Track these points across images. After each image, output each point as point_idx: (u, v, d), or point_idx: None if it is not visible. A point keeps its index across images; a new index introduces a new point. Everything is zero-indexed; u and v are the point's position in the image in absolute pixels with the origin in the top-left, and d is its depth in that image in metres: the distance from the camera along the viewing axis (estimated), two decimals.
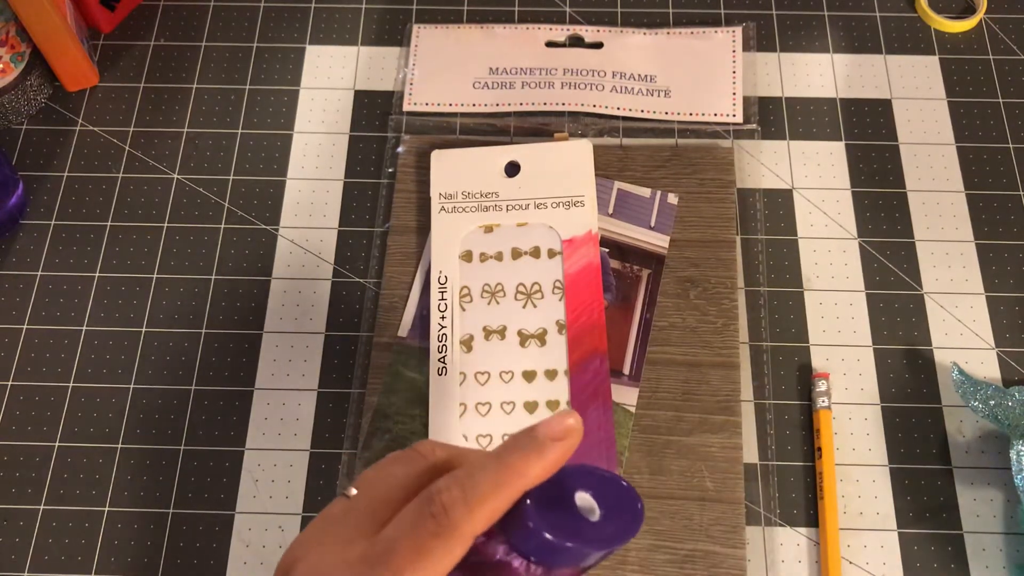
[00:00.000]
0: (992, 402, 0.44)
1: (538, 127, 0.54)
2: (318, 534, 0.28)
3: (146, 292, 0.50)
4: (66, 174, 0.54)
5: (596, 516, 0.27)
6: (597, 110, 0.54)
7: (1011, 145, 0.53)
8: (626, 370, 0.47)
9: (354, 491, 0.29)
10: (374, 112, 0.55)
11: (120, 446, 0.47)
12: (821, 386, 0.46)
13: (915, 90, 0.55)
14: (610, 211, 0.50)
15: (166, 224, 0.52)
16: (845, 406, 0.47)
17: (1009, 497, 0.45)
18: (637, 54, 0.56)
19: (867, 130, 0.54)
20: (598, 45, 0.56)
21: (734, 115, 0.54)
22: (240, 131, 0.55)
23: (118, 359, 0.49)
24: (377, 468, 0.29)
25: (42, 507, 0.46)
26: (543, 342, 0.47)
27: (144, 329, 0.49)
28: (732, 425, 0.46)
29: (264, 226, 0.52)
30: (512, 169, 0.51)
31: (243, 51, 0.57)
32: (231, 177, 0.53)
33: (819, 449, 0.45)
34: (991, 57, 0.56)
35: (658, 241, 0.50)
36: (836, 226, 0.51)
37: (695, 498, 0.44)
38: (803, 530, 0.45)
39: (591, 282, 0.48)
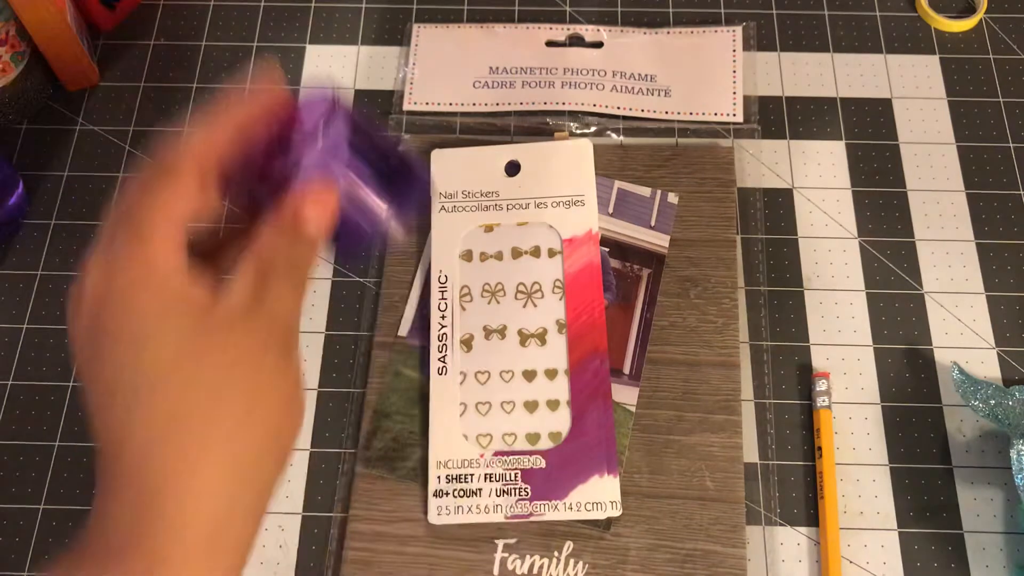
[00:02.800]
0: (992, 401, 0.44)
1: (538, 126, 0.54)
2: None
3: None
4: (66, 174, 0.54)
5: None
6: (597, 109, 0.54)
7: (1011, 144, 0.53)
8: (626, 369, 0.47)
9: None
10: (374, 111, 0.55)
11: None
12: (821, 385, 0.46)
13: (915, 90, 0.55)
14: (610, 210, 0.50)
15: None
16: (845, 406, 0.47)
17: (1009, 497, 0.45)
18: (637, 53, 0.56)
19: (867, 129, 0.54)
20: (598, 44, 0.56)
21: (734, 114, 0.54)
22: None
23: None
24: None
25: (42, 507, 0.46)
26: (543, 341, 0.47)
27: None
28: (732, 424, 0.46)
29: None
30: (512, 168, 0.51)
31: (243, 51, 0.57)
32: None
33: (819, 448, 0.45)
34: (991, 57, 0.56)
35: (658, 240, 0.50)
36: (836, 225, 0.51)
37: (695, 497, 0.44)
38: (803, 529, 0.45)
39: (591, 281, 0.48)
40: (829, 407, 0.46)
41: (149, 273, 0.29)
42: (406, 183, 0.34)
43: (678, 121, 0.54)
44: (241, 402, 0.29)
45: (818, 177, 0.53)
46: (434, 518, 0.44)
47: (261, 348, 0.30)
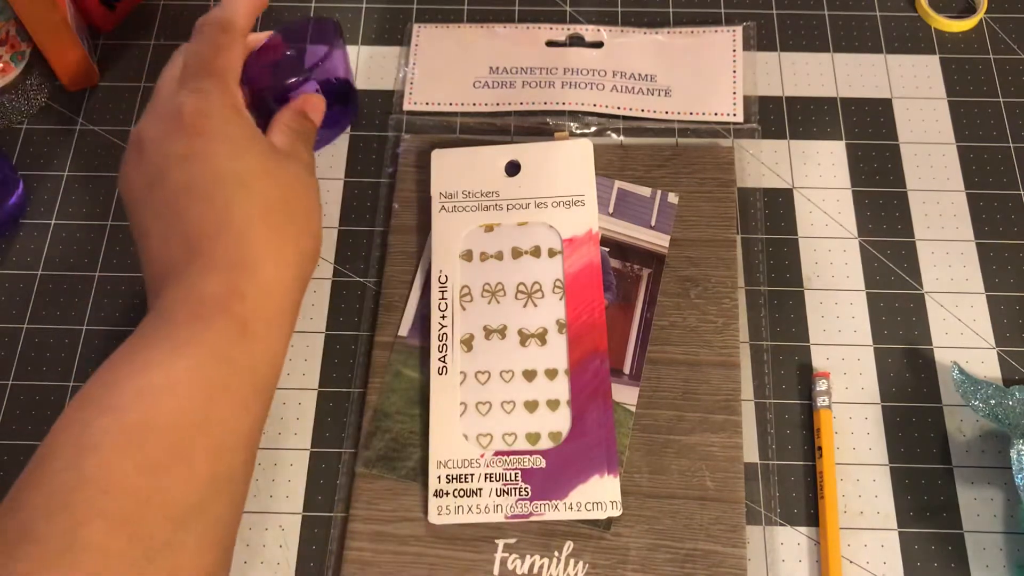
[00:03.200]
0: (992, 401, 0.44)
1: (538, 126, 0.54)
2: (144, 116, 0.41)
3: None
4: (66, 174, 0.54)
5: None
6: (597, 109, 0.54)
7: (1011, 144, 0.53)
8: (626, 369, 0.47)
9: None
10: (374, 111, 0.55)
11: None
12: (821, 385, 0.46)
13: (915, 89, 0.55)
14: (610, 210, 0.50)
15: None
16: (845, 405, 0.47)
17: (1009, 496, 0.45)
18: (637, 53, 0.56)
19: (867, 129, 0.54)
20: (598, 44, 0.56)
21: (734, 114, 0.54)
22: None
23: None
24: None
25: None
26: (543, 341, 0.47)
27: None
28: (732, 424, 0.46)
29: None
30: (512, 168, 0.51)
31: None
32: None
33: (819, 448, 0.45)
34: (991, 56, 0.56)
35: (658, 240, 0.50)
36: (836, 225, 0.51)
37: (695, 497, 0.44)
38: (803, 529, 0.45)
39: (591, 281, 0.48)
40: (829, 407, 0.46)
41: (234, 108, 0.39)
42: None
43: (678, 121, 0.54)
44: (302, 211, 0.39)
45: (818, 177, 0.53)
46: (434, 518, 0.44)
47: (305, 175, 0.41)
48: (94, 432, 0.32)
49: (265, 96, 0.46)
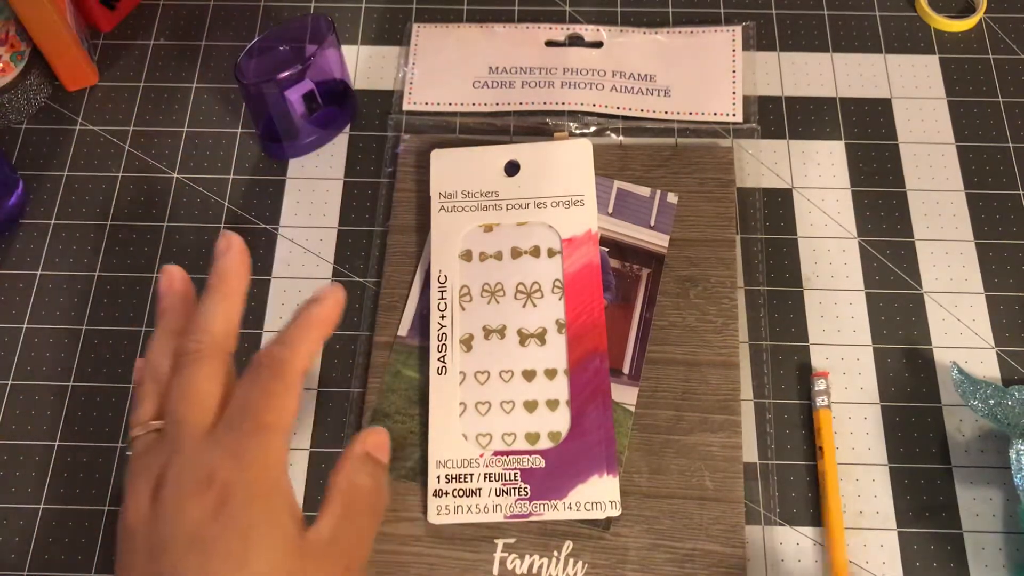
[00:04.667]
0: (992, 401, 0.44)
1: (538, 126, 0.54)
2: (166, 448, 0.32)
3: (146, 292, 0.50)
4: (66, 173, 0.54)
5: None
6: (597, 109, 0.54)
7: (1011, 144, 0.53)
8: (626, 369, 0.47)
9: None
10: (374, 111, 0.55)
11: (120, 445, 0.47)
12: (820, 385, 0.46)
13: (915, 89, 0.55)
14: (610, 210, 0.50)
15: (166, 224, 0.52)
16: (845, 405, 0.47)
17: (1009, 496, 0.45)
18: (637, 53, 0.56)
19: (867, 129, 0.54)
20: (598, 44, 0.56)
21: (734, 114, 0.54)
22: (240, 131, 0.55)
23: (118, 359, 0.49)
24: (175, 393, 0.33)
25: (42, 507, 0.46)
26: (543, 341, 0.47)
27: (144, 328, 0.49)
28: (732, 424, 0.46)
29: (264, 225, 0.52)
30: (512, 168, 0.51)
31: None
32: (231, 177, 0.53)
33: (820, 448, 0.45)
34: (991, 56, 0.56)
35: (658, 240, 0.50)
36: (836, 225, 0.51)
37: (695, 497, 0.44)
38: (803, 529, 0.45)
39: (591, 281, 0.48)
40: (829, 407, 0.46)
41: (274, 479, 0.32)
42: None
43: (678, 121, 0.54)
44: None
45: (818, 177, 0.53)
46: (434, 518, 0.44)
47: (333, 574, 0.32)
48: None
49: (260, 91, 0.46)
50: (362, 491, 0.34)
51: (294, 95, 0.50)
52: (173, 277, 0.36)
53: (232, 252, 0.35)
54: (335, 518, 0.33)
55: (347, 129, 0.55)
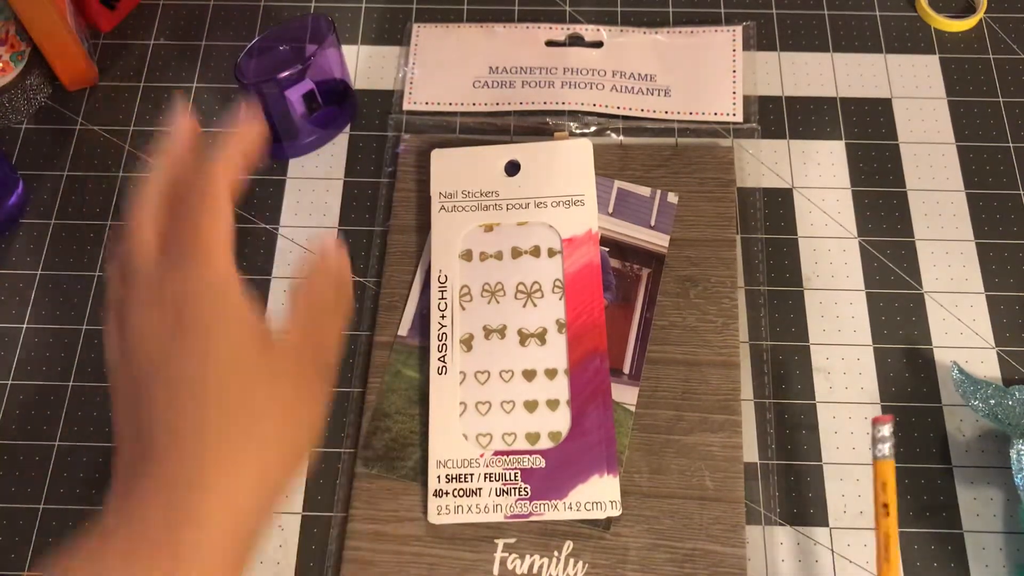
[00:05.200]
0: (992, 401, 0.44)
1: (538, 126, 0.54)
2: (126, 285, 0.35)
3: None
4: (66, 173, 0.54)
5: None
6: (597, 109, 0.54)
7: (1011, 144, 0.53)
8: (626, 369, 0.47)
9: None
10: (374, 111, 0.55)
11: None
12: (883, 431, 0.40)
13: (915, 89, 0.55)
14: (610, 210, 0.50)
15: None
16: (845, 405, 0.47)
17: (1009, 496, 0.45)
18: (637, 53, 0.56)
19: (867, 129, 0.54)
20: (598, 44, 0.56)
21: (734, 114, 0.54)
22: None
23: None
24: (126, 236, 0.35)
25: (42, 507, 0.46)
26: (543, 341, 0.47)
27: None
28: (732, 424, 0.46)
29: (264, 225, 0.52)
30: (512, 168, 0.51)
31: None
32: None
33: (884, 506, 0.40)
34: (991, 56, 0.56)
35: (658, 240, 0.50)
36: (836, 225, 0.51)
37: (695, 497, 0.44)
38: (803, 529, 0.45)
39: (591, 281, 0.48)
40: (892, 457, 0.40)
41: (223, 292, 0.33)
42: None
43: (678, 121, 0.54)
44: (278, 417, 0.33)
45: (818, 177, 0.53)
46: (434, 518, 0.44)
47: (302, 373, 0.34)
48: None
49: (260, 91, 0.47)
50: (326, 305, 0.36)
51: (294, 95, 0.50)
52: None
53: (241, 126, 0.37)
54: (299, 327, 0.35)
55: (347, 129, 0.55)
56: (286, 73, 0.49)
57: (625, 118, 0.54)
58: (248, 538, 0.33)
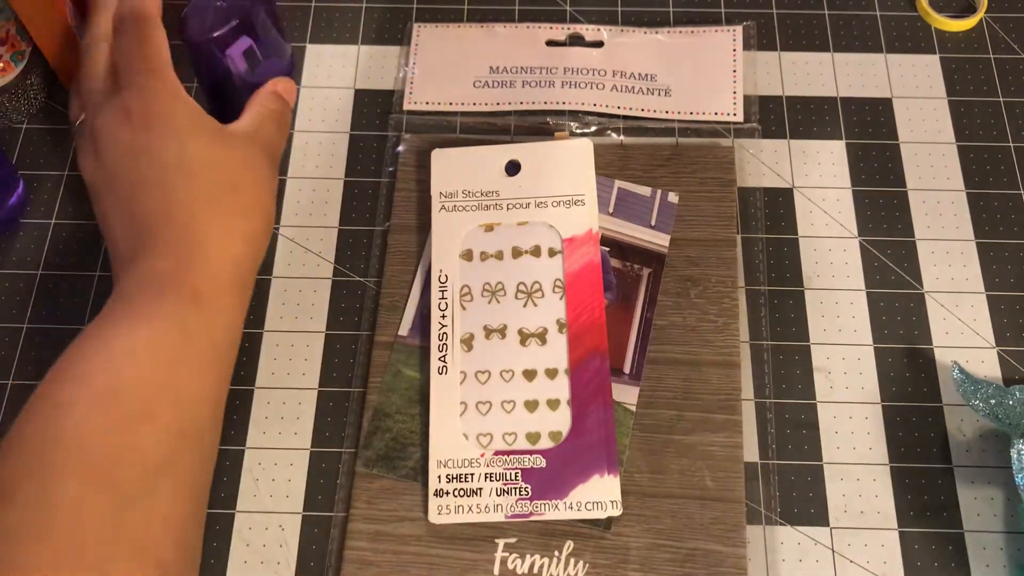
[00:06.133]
0: (993, 401, 0.44)
1: (538, 126, 0.54)
2: (87, 114, 0.43)
3: None
4: (66, 173, 0.54)
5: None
6: (598, 109, 0.54)
7: (1012, 144, 0.53)
8: (627, 369, 0.47)
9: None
10: (374, 111, 0.55)
11: None
12: None
13: (915, 89, 0.55)
14: (610, 210, 0.50)
15: None
16: (845, 405, 0.47)
17: (1010, 496, 0.45)
18: (638, 53, 0.56)
19: (868, 129, 0.54)
20: (598, 44, 0.56)
21: (735, 114, 0.54)
22: None
23: None
24: (80, 73, 0.45)
25: None
26: (543, 341, 0.47)
27: None
28: (733, 424, 0.46)
29: None
30: (512, 168, 0.51)
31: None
32: None
33: None
34: (992, 56, 0.56)
35: (659, 240, 0.50)
36: (837, 225, 0.51)
37: (696, 497, 0.44)
38: (804, 529, 0.45)
39: (592, 281, 0.48)
40: None
41: (176, 97, 0.42)
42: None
43: (678, 121, 0.54)
44: (251, 192, 0.42)
45: (818, 177, 0.53)
46: (434, 517, 0.44)
47: (260, 158, 0.43)
48: (64, 398, 0.34)
49: (198, 49, 0.48)
50: (273, 110, 0.46)
51: (235, 52, 0.49)
52: None
53: None
54: (252, 118, 0.44)
55: (348, 129, 0.55)
56: (219, 33, 0.48)
57: (625, 118, 0.54)
58: (247, 278, 0.41)
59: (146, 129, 0.40)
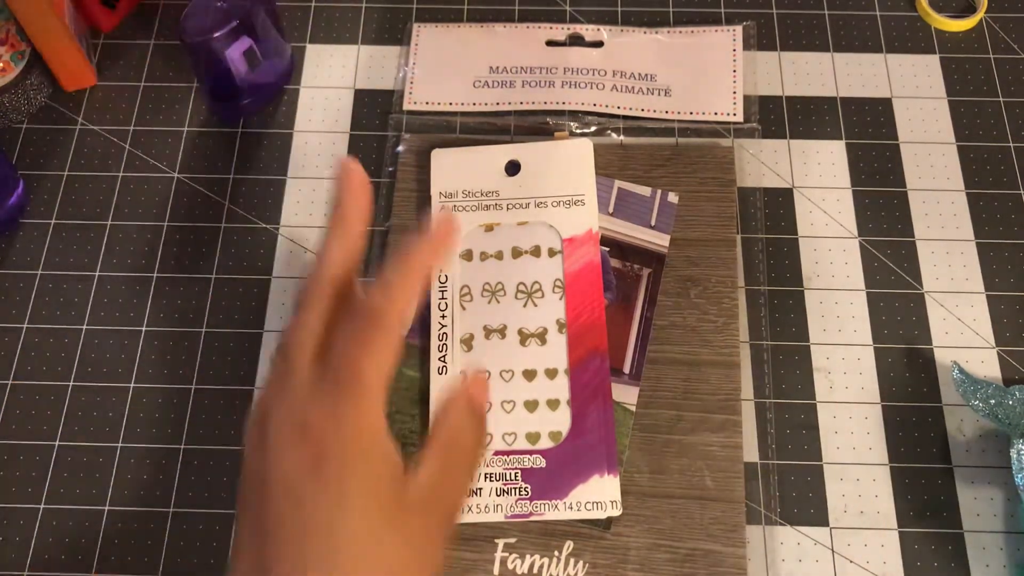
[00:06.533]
0: (992, 401, 0.44)
1: (538, 126, 0.54)
2: (275, 390, 0.33)
3: (146, 292, 0.50)
4: (66, 173, 0.54)
5: None
6: (597, 109, 0.54)
7: (1011, 144, 0.53)
8: (626, 369, 0.47)
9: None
10: (374, 111, 0.55)
11: (120, 445, 0.47)
12: None
13: (915, 89, 0.55)
14: (610, 210, 0.50)
15: (166, 223, 0.52)
16: (845, 405, 0.47)
17: (1009, 496, 0.45)
18: (637, 53, 0.56)
19: (867, 129, 0.54)
20: (598, 44, 0.56)
21: (734, 114, 0.54)
22: (240, 130, 0.55)
23: (118, 359, 0.49)
24: (289, 329, 0.33)
25: (42, 507, 0.46)
26: (543, 341, 0.47)
27: (144, 328, 0.49)
28: (732, 424, 0.46)
29: (264, 225, 0.52)
30: (512, 168, 0.51)
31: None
32: (231, 176, 0.53)
33: None
34: (991, 56, 0.56)
35: (658, 240, 0.50)
36: (836, 225, 0.51)
37: (695, 497, 0.44)
38: (804, 529, 0.45)
39: (591, 281, 0.48)
40: None
41: (366, 431, 0.32)
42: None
43: (678, 121, 0.54)
44: (397, 568, 0.32)
45: (818, 177, 0.53)
46: None
47: (433, 534, 0.33)
48: None
49: (198, 49, 0.48)
50: (463, 446, 0.35)
51: (235, 53, 0.50)
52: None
53: (350, 185, 0.36)
54: (435, 471, 0.33)
55: (348, 129, 0.55)
56: (219, 33, 0.49)
57: (625, 118, 0.54)
58: None
59: (314, 469, 0.31)
